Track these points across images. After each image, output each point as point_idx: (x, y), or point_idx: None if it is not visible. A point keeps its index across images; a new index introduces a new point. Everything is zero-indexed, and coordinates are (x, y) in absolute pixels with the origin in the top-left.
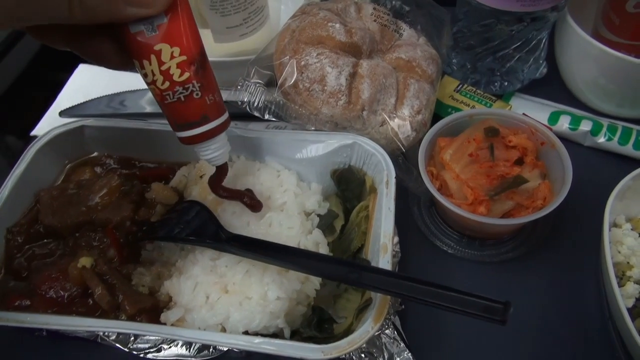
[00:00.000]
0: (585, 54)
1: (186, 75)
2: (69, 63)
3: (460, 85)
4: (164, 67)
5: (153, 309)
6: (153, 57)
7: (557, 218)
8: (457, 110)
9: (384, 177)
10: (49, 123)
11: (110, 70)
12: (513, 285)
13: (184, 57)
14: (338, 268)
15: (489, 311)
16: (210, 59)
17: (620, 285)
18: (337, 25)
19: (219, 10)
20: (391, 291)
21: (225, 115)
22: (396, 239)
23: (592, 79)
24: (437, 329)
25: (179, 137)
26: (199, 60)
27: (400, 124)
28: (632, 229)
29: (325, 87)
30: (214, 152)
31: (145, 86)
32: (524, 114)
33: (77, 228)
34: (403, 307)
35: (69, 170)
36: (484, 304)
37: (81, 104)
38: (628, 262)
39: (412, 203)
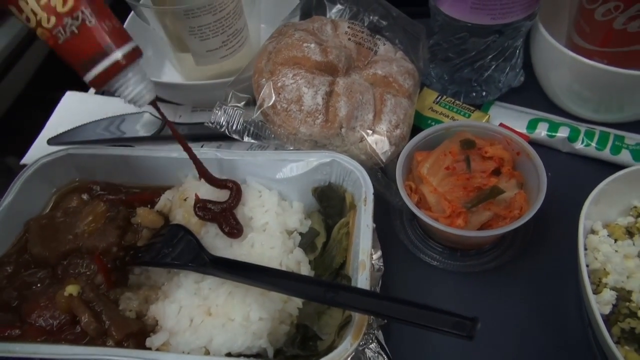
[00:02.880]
0: (558, 61)
1: (70, 2)
2: (61, 86)
3: (440, 97)
4: (42, 1)
5: (140, 333)
6: None
7: (537, 226)
8: (437, 121)
9: (362, 193)
10: (38, 151)
11: (97, 97)
12: (495, 294)
13: None
14: (314, 288)
15: (457, 327)
16: (192, 82)
17: (597, 292)
18: (312, 45)
19: (197, 35)
20: (365, 310)
21: (132, 44)
22: (379, 253)
23: (567, 85)
24: (420, 342)
25: (90, 80)
26: None
27: (379, 139)
28: (608, 235)
29: (303, 107)
30: (135, 87)
31: (130, 110)
32: (501, 123)
33: (65, 256)
34: (386, 321)
35: (57, 198)
36: (452, 320)
37: (68, 131)
38: (605, 269)
39: (394, 217)
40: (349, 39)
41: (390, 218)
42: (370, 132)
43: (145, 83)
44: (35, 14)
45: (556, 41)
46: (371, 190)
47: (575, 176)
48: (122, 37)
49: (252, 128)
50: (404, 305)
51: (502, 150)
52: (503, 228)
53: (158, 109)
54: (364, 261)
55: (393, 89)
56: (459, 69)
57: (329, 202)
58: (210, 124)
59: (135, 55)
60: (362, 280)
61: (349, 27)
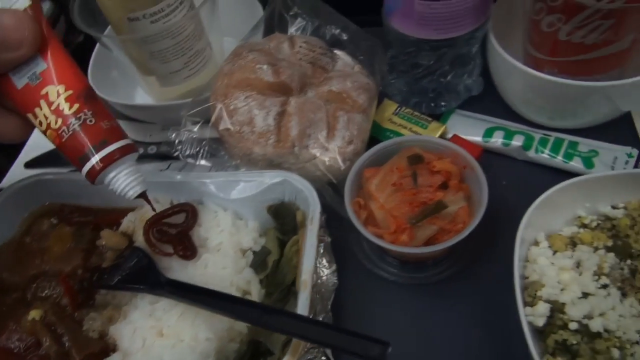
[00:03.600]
0: (510, 72)
1: (76, 106)
2: None
3: (399, 108)
4: (53, 107)
5: (102, 353)
6: (42, 101)
7: (489, 234)
8: (396, 133)
9: (310, 212)
10: (16, 174)
11: None
12: (446, 305)
13: (70, 92)
14: (251, 311)
15: (369, 350)
16: (159, 103)
17: (533, 304)
18: (265, 67)
19: (158, 58)
20: (291, 332)
21: (127, 140)
22: (334, 267)
23: (521, 94)
24: None
25: (86, 173)
26: (85, 92)
27: (332, 156)
28: (549, 247)
29: (254, 129)
30: (125, 179)
31: None
32: (455, 135)
33: (33, 279)
34: None
35: (28, 222)
36: (367, 344)
37: (44, 154)
38: (541, 282)
39: (349, 231)
40: (300, 59)
41: (346, 232)
42: (323, 149)
43: (135, 177)
44: (46, 118)
45: (510, 50)
46: (318, 209)
47: (528, 184)
48: (117, 135)
49: (206, 149)
50: (325, 329)
51: (450, 164)
52: (442, 244)
53: (149, 202)
54: (306, 281)
55: (347, 104)
56: (417, 80)
57: (284, 220)
58: (166, 149)
59: (127, 150)
60: (302, 300)
61: (304, 43)
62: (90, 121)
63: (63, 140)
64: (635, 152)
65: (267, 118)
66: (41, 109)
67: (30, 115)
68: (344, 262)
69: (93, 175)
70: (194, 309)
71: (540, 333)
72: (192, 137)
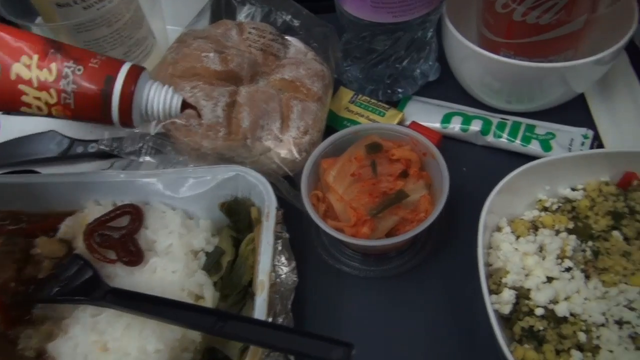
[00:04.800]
0: (466, 55)
1: (53, 66)
2: None
3: (355, 96)
4: (35, 84)
5: None
6: (21, 86)
7: (451, 223)
8: (353, 122)
9: (265, 208)
10: None
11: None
12: (410, 297)
13: (36, 56)
14: (205, 318)
15: (332, 354)
16: None
17: (498, 292)
18: (212, 55)
19: (94, 48)
20: (249, 340)
21: (129, 63)
22: (293, 264)
23: (478, 78)
24: None
25: (118, 112)
26: (49, 47)
27: (287, 148)
28: (512, 232)
29: (202, 121)
30: (162, 91)
31: (34, 130)
32: (413, 122)
33: None
34: None
35: None
36: (328, 346)
37: None
38: (505, 268)
39: (308, 226)
40: (249, 46)
41: (305, 227)
42: (277, 141)
43: (167, 86)
44: (39, 99)
45: (465, 34)
46: (274, 204)
47: (488, 170)
48: (114, 65)
49: (150, 146)
50: (285, 333)
51: (409, 152)
52: (404, 235)
53: (194, 108)
54: (263, 281)
55: (301, 93)
56: (373, 66)
57: (238, 217)
58: (104, 147)
59: (138, 70)
60: (260, 302)
61: (253, 29)
62: (79, 70)
63: (72, 107)
64: (590, 133)
65: (216, 109)
66: (27, 95)
67: (24, 108)
68: (304, 258)
69: (126, 104)
70: (141, 319)
71: (507, 321)
72: (134, 132)
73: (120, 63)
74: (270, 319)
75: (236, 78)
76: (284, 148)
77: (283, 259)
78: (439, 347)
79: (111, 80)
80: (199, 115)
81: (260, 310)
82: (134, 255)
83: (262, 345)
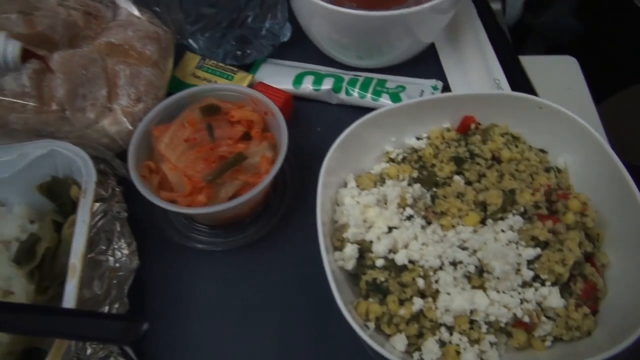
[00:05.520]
0: (312, 11)
1: None
2: None
3: (202, 61)
4: None
5: None
6: None
7: (304, 186)
8: None
9: (83, 184)
10: None
11: None
12: (262, 266)
13: None
14: None
15: (116, 333)
16: None
17: (342, 248)
18: (14, 16)
19: None
20: (22, 330)
21: None
22: (133, 245)
23: (326, 34)
24: (180, 343)
25: None
26: None
27: (117, 118)
28: (357, 186)
29: (5, 92)
30: None
31: None
32: (260, 82)
33: None
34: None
35: None
36: (114, 325)
37: None
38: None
39: (152, 203)
40: (75, 5)
41: (149, 204)
42: (106, 111)
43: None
44: None
45: None
46: (93, 179)
47: (342, 128)
48: None
49: None
50: (68, 316)
51: (251, 112)
52: (239, 198)
53: (38, 57)
54: (74, 265)
55: (132, 57)
56: (219, 29)
57: (62, 200)
58: None
59: None
60: (69, 289)
61: None
62: None
63: None
64: (440, 84)
65: (20, 77)
66: None
67: None
68: (149, 238)
69: None
70: None
71: (355, 277)
72: None
73: None
74: (106, 308)
75: (49, 43)
76: (113, 119)
77: (122, 242)
78: (296, 314)
79: None
80: (49, 68)
81: (69, 298)
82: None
83: (41, 334)
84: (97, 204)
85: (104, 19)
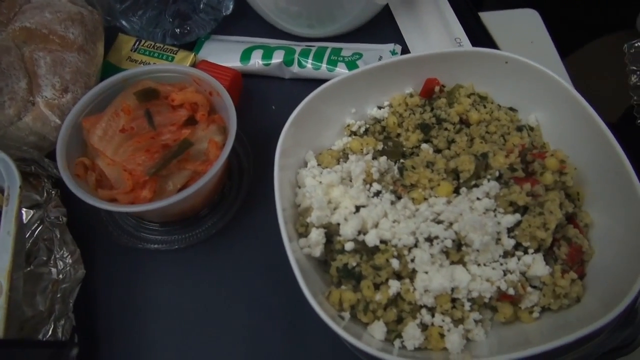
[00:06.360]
0: None
1: None
2: None
3: (137, 43)
4: None
5: None
6: None
7: (263, 171)
8: None
9: (5, 190)
10: None
11: None
12: (223, 261)
13: None
14: None
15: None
16: None
17: (307, 234)
18: None
19: None
20: None
21: None
22: (77, 254)
23: (272, 3)
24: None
25: None
26: None
27: (42, 112)
28: (318, 165)
29: None
30: None
31: None
32: (203, 60)
33: None
34: None
35: None
36: (48, 352)
37: None
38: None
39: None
40: None
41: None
42: (29, 104)
43: None
44: None
45: None
46: (16, 183)
47: (298, 104)
48: None
49: None
50: None
51: (194, 94)
52: (185, 191)
53: None
54: (0, 284)
55: (52, 43)
56: (150, 5)
57: None
58: None
59: None
60: None
61: None
62: None
63: None
64: (398, 47)
65: None
66: None
67: None
68: (93, 243)
69: None
70: None
71: (325, 264)
72: None
73: None
74: (50, 326)
75: None
76: (38, 113)
77: (64, 251)
78: (265, 310)
79: None
80: None
81: None
82: None
83: None
84: (32, 211)
85: (16, 1)
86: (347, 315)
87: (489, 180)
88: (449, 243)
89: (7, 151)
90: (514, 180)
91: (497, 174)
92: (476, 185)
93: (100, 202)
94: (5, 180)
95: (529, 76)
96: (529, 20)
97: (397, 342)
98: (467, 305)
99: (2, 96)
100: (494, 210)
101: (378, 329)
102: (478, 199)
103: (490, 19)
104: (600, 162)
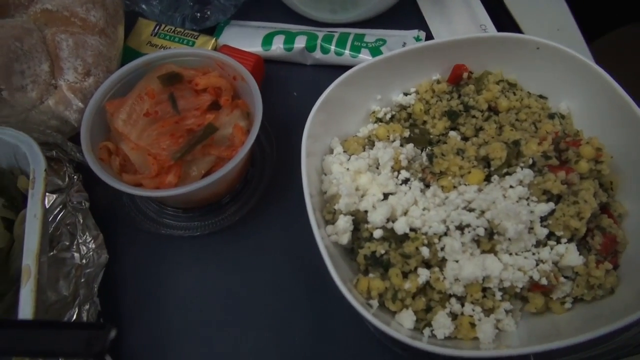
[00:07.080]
0: None
1: None
2: None
3: (157, 27)
4: None
5: None
6: None
7: (286, 156)
8: None
9: (30, 174)
10: None
11: None
12: (250, 246)
13: None
14: None
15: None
16: None
17: (334, 221)
18: None
19: None
20: None
21: None
22: (100, 239)
23: None
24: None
25: None
26: None
27: (65, 96)
28: (344, 152)
29: None
30: None
31: None
32: (224, 45)
33: None
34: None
35: None
36: (85, 334)
37: None
38: (339, 193)
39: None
40: None
41: (113, 190)
42: (51, 88)
43: None
44: None
45: None
46: (41, 166)
47: (321, 90)
48: None
49: None
50: (20, 330)
51: (218, 78)
52: (210, 177)
53: None
54: (28, 267)
55: (74, 26)
56: None
57: (9, 193)
58: None
59: None
60: (26, 293)
61: None
62: None
63: None
64: (422, 34)
65: None
66: None
67: None
68: (116, 228)
69: None
70: None
71: (352, 252)
72: None
73: None
74: (75, 311)
75: None
76: (60, 97)
77: (87, 235)
78: (289, 298)
79: None
80: None
81: (25, 305)
82: None
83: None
84: (54, 196)
85: None
86: (375, 303)
87: (522, 168)
88: (481, 231)
89: (30, 134)
90: (549, 168)
91: (530, 161)
92: (508, 173)
93: (127, 187)
94: (30, 163)
95: (561, 63)
96: (555, 6)
97: (426, 331)
98: (499, 295)
99: (25, 79)
100: (527, 199)
101: (407, 318)
102: (511, 186)
103: (515, 4)
104: (635, 151)
